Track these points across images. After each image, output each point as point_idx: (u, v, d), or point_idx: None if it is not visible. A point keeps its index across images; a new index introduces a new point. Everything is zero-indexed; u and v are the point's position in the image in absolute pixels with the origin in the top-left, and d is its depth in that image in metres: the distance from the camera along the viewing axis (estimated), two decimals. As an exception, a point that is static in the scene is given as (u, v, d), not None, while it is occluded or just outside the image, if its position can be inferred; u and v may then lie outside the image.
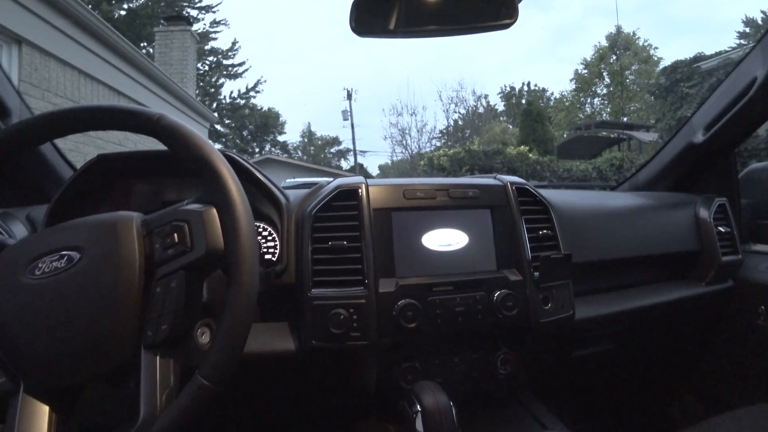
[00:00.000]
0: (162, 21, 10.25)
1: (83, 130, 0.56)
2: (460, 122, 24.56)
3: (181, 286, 0.48)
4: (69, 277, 0.48)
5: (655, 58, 21.82)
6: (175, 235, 0.49)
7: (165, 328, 0.47)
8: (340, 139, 29.52)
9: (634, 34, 22.81)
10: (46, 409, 0.48)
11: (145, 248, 0.50)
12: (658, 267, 1.11)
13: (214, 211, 0.50)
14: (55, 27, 4.56)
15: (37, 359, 0.47)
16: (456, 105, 24.60)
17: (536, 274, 0.81)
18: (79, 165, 0.89)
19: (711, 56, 11.01)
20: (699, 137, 1.18)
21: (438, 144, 22.59)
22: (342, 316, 0.72)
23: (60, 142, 0.96)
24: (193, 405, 0.46)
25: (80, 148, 4.56)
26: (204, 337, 0.52)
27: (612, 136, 13.25)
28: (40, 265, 0.49)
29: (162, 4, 15.28)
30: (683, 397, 1.28)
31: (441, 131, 24.42)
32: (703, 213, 1.11)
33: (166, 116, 0.54)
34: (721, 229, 1.10)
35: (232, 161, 0.56)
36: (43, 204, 0.84)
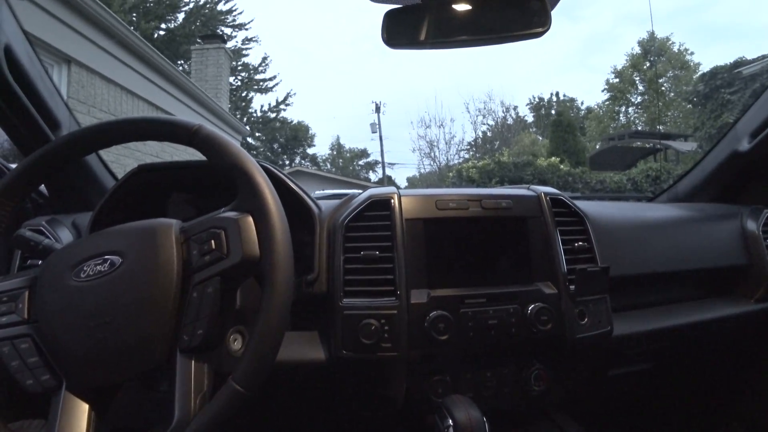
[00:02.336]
0: (198, 40, 10.70)
1: (127, 140, 0.59)
2: (488, 134, 24.27)
3: (217, 293, 0.49)
4: (111, 280, 0.50)
5: (692, 64, 21.09)
6: (212, 242, 0.50)
7: (200, 333, 0.48)
8: (369, 152, 29.66)
9: (668, 39, 22.14)
10: (85, 407, 0.49)
11: (183, 254, 0.51)
12: (701, 282, 1.06)
13: (250, 219, 0.51)
14: (101, 47, 4.84)
15: (78, 358, 0.49)
16: (484, 117, 24.35)
17: (572, 287, 0.79)
18: (119, 175, 0.93)
19: (753, 60, 10.58)
20: (744, 145, 1.13)
21: (466, 156, 22.41)
22: (373, 327, 0.71)
23: (102, 153, 1.01)
24: (226, 409, 0.46)
25: (120, 160, 4.78)
26: (236, 344, 0.53)
27: (647, 146, 12.77)
28: (85, 268, 0.51)
29: (198, 23, 15.96)
30: (729, 424, 1.20)
31: (469, 143, 24.20)
32: (751, 225, 1.05)
33: (204, 127, 0.56)
34: None
35: (266, 171, 0.57)
36: (87, 211, 0.88)
